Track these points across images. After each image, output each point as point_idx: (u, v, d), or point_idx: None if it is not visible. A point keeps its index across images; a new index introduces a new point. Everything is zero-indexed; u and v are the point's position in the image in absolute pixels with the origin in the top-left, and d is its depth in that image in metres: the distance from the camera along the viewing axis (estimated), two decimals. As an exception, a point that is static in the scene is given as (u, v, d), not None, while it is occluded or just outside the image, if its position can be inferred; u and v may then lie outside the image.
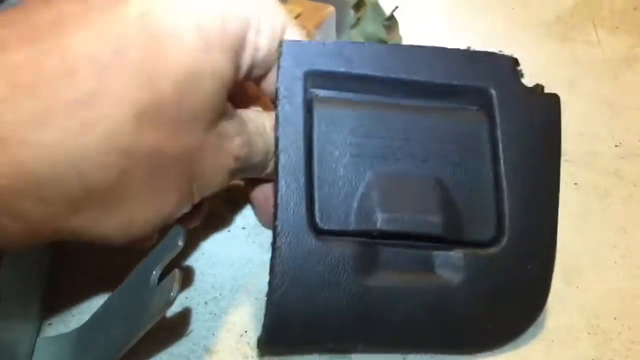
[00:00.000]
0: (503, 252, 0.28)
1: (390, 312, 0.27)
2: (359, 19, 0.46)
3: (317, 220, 0.27)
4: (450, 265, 0.27)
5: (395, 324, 0.28)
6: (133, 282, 0.28)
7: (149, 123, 0.22)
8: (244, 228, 0.36)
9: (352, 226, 0.27)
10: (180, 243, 0.26)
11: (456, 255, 0.27)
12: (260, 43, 0.26)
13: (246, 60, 0.26)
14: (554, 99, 0.29)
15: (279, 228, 0.26)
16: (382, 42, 0.48)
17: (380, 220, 0.26)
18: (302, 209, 0.26)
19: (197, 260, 0.34)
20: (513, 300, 0.28)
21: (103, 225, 0.23)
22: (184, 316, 0.31)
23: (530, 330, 0.30)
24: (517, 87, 0.29)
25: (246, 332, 0.30)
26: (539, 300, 0.29)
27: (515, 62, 0.29)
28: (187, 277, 0.33)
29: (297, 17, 0.45)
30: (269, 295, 0.27)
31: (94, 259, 0.34)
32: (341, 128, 0.27)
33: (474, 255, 0.27)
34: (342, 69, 0.27)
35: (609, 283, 0.32)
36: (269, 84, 0.28)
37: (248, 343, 0.30)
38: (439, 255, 0.28)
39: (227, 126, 0.26)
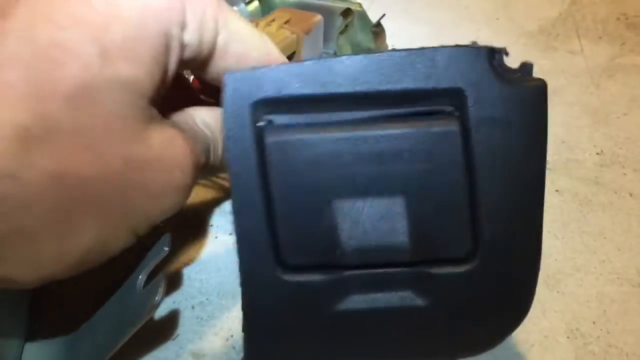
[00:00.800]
0: (479, 266, 0.26)
1: (364, 333, 0.27)
2: (346, 26, 0.46)
3: (282, 256, 0.26)
4: (422, 285, 0.27)
5: (371, 342, 0.28)
6: (124, 289, 0.28)
7: (39, 146, 0.20)
8: (231, 234, 0.37)
9: (317, 260, 0.26)
10: (166, 248, 0.26)
11: (429, 273, 0.26)
12: (187, 39, 0.24)
13: (173, 59, 0.24)
14: (538, 88, 0.26)
15: (243, 268, 0.25)
16: (369, 50, 0.49)
17: (345, 253, 0.25)
18: (266, 246, 0.25)
19: (186, 266, 0.34)
20: (493, 311, 0.28)
21: None
22: (171, 320, 0.31)
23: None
24: (492, 81, 0.26)
25: (232, 336, 0.31)
26: (522, 305, 0.28)
27: (490, 52, 0.26)
28: (175, 282, 0.33)
29: (286, 22, 0.45)
30: (244, 336, 0.27)
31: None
32: (298, 157, 0.25)
33: (448, 273, 0.26)
34: (294, 92, 0.25)
35: (588, 288, 0.33)
36: (211, 76, 0.26)
37: (234, 347, 0.30)
38: (411, 275, 0.26)
39: (162, 134, 0.23)
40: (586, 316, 0.31)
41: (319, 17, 0.48)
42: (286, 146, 0.25)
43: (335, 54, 0.50)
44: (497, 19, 0.60)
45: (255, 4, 0.50)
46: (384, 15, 0.50)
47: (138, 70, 0.22)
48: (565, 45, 0.56)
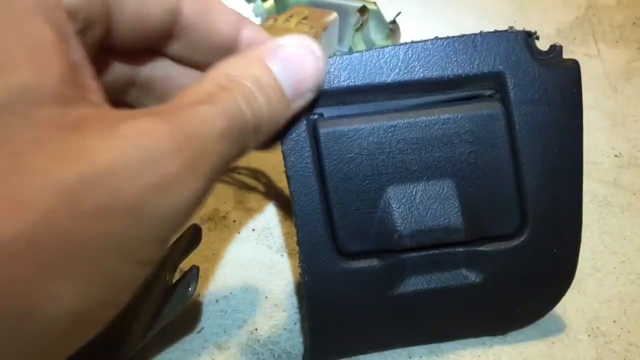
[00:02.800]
0: (528, 240, 0.28)
1: (421, 314, 0.28)
2: (362, 24, 0.47)
3: (339, 243, 0.27)
4: (476, 262, 0.28)
5: (428, 322, 0.29)
6: (152, 281, 0.28)
7: None
8: (253, 230, 0.37)
9: (374, 245, 0.27)
10: (198, 241, 0.27)
11: (481, 251, 0.28)
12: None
13: (64, 31, 0.17)
14: (572, 68, 0.27)
15: (303, 256, 0.27)
16: (385, 46, 0.50)
17: (402, 237, 0.26)
18: (323, 233, 0.26)
19: (209, 260, 0.35)
20: (540, 284, 0.29)
21: None
22: (196, 314, 0.32)
23: (532, 331, 0.31)
24: (530, 63, 0.27)
25: (256, 329, 0.31)
26: (565, 279, 0.29)
27: (527, 35, 0.27)
28: (199, 277, 0.34)
29: (304, 18, 0.46)
30: (307, 320, 0.28)
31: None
32: (350, 146, 0.26)
33: (500, 249, 0.28)
34: (343, 84, 0.26)
35: (608, 288, 0.33)
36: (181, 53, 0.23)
37: (258, 340, 0.31)
38: (465, 254, 0.28)
39: (118, 132, 0.16)
40: (607, 315, 0.32)
41: (334, 15, 0.48)
42: (339, 136, 0.26)
43: (349, 52, 0.50)
44: (514, 21, 0.60)
45: (271, 1, 0.50)
46: (399, 13, 0.51)
47: (20, 73, 0.15)
48: (583, 48, 0.56)
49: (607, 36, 0.58)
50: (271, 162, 0.42)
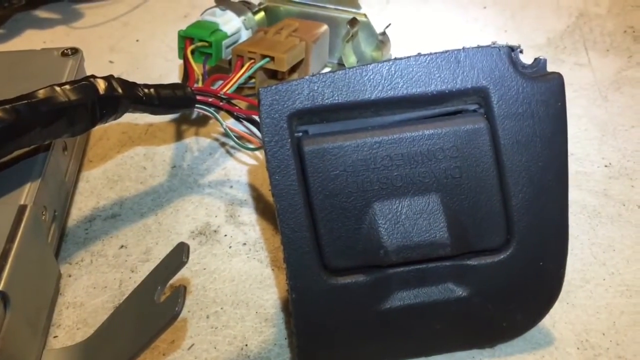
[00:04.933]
0: (514, 254, 0.28)
1: (409, 328, 0.29)
2: (352, 35, 0.47)
3: (326, 259, 0.27)
4: (462, 276, 0.28)
5: (416, 336, 0.29)
6: (138, 297, 0.28)
7: None
8: (244, 244, 0.37)
9: (361, 261, 0.27)
10: (185, 259, 0.27)
11: (468, 265, 0.28)
12: None
13: None
14: (555, 81, 0.28)
15: (290, 273, 0.27)
16: (374, 59, 0.50)
17: (388, 252, 0.27)
18: (310, 250, 0.27)
19: (199, 275, 0.35)
20: (527, 297, 0.29)
21: None
22: (186, 330, 0.32)
23: (522, 345, 0.31)
24: (514, 78, 0.27)
25: (247, 345, 0.31)
26: (553, 292, 0.29)
27: (510, 49, 0.27)
28: (189, 292, 0.34)
29: (295, 31, 0.46)
30: (295, 337, 0.28)
31: (98, 273, 0.35)
32: (335, 163, 0.27)
33: (486, 263, 0.28)
34: (327, 102, 0.27)
35: (598, 300, 0.33)
36: None
37: (248, 356, 0.31)
38: (451, 268, 0.28)
39: None
40: (596, 327, 0.32)
41: (325, 27, 0.49)
42: (323, 154, 0.27)
43: (339, 64, 0.51)
44: (506, 31, 0.60)
45: (261, 14, 0.51)
46: (389, 24, 0.51)
47: None
48: (573, 57, 0.56)
49: (597, 45, 0.58)
50: (262, 176, 0.42)
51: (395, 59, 0.27)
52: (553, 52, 0.57)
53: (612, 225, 0.38)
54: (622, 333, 0.31)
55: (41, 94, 0.30)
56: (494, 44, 0.28)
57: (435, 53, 0.27)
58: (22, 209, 0.29)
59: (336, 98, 0.27)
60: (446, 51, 0.27)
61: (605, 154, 0.44)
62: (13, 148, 0.29)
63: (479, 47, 0.27)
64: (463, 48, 0.27)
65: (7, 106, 0.28)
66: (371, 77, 0.27)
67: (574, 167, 0.43)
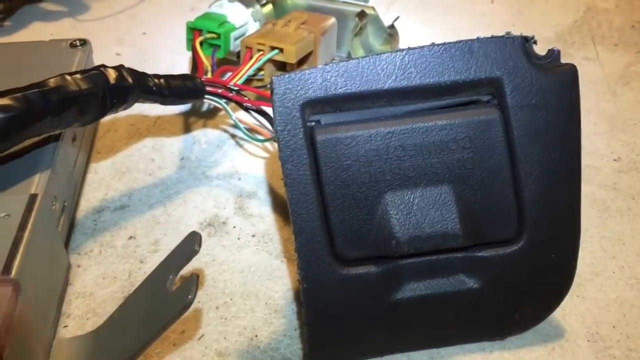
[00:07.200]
0: (526, 246, 0.28)
1: (420, 319, 0.28)
2: (360, 28, 0.47)
3: (338, 249, 0.27)
4: (474, 268, 0.28)
5: (427, 328, 0.29)
6: (150, 286, 0.28)
7: None
8: (253, 236, 0.37)
9: (372, 252, 0.27)
10: (197, 248, 0.27)
11: (479, 256, 0.28)
12: None
13: None
14: (569, 73, 0.27)
15: (302, 263, 0.27)
16: (381, 52, 0.50)
17: (400, 243, 0.26)
18: (321, 240, 0.27)
19: (208, 266, 0.35)
20: (538, 289, 0.29)
21: None
22: (196, 320, 0.32)
23: (532, 337, 0.31)
24: (528, 68, 0.27)
25: (256, 336, 0.31)
26: (564, 284, 0.29)
27: (524, 40, 0.27)
28: (199, 283, 0.34)
29: (303, 23, 0.46)
30: (306, 327, 0.28)
31: (107, 264, 0.35)
32: (348, 153, 0.26)
33: (498, 254, 0.28)
34: (340, 91, 0.26)
35: (608, 293, 0.33)
36: None
37: (258, 346, 0.31)
38: (463, 259, 0.28)
39: None
40: (606, 320, 0.32)
41: (333, 20, 0.49)
42: (336, 143, 0.26)
43: (348, 57, 0.51)
44: (513, 25, 0.60)
45: (269, 6, 0.51)
46: (397, 17, 0.51)
47: None
48: (581, 52, 0.56)
49: (606, 39, 0.58)
50: (271, 168, 0.42)
51: (409, 48, 0.27)
52: (561, 47, 0.56)
53: (622, 218, 0.38)
54: (632, 326, 0.31)
55: (52, 82, 0.29)
56: (508, 34, 0.27)
57: (449, 43, 0.27)
58: (33, 197, 0.29)
59: (349, 87, 0.26)
60: (460, 41, 0.27)
61: (614, 148, 0.44)
62: (24, 137, 0.29)
63: (492, 37, 0.27)
64: (477, 38, 0.27)
65: (18, 94, 0.28)
66: (384, 66, 0.27)
67: (583, 161, 0.42)
